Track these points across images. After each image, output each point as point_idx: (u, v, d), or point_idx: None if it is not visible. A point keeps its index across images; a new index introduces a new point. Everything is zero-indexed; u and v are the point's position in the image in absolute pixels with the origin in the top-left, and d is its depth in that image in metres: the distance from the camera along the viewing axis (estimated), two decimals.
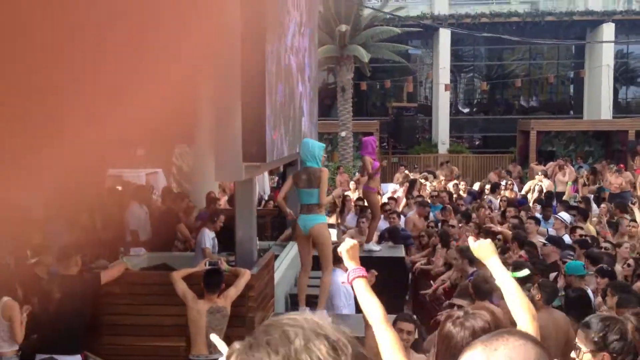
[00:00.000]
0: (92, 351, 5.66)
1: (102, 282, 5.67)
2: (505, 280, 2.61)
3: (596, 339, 2.64)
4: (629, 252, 7.89)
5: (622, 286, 5.62)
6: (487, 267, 2.73)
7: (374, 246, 9.07)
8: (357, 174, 15.43)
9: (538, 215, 10.82)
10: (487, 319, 2.33)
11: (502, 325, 2.31)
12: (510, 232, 8.78)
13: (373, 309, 2.48)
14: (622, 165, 17.84)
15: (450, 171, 19.07)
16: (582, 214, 10.35)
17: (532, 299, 5.83)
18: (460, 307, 5.20)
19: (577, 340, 2.69)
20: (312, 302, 6.87)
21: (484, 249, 2.67)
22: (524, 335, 1.59)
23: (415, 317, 5.11)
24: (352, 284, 2.57)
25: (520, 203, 12.21)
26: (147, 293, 5.91)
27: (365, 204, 9.94)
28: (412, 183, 13.81)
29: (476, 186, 16.27)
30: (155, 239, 8.13)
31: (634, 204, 9.73)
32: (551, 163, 18.06)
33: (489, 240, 2.74)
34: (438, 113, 25.68)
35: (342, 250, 2.63)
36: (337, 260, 6.90)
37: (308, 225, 6.55)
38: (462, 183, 15.45)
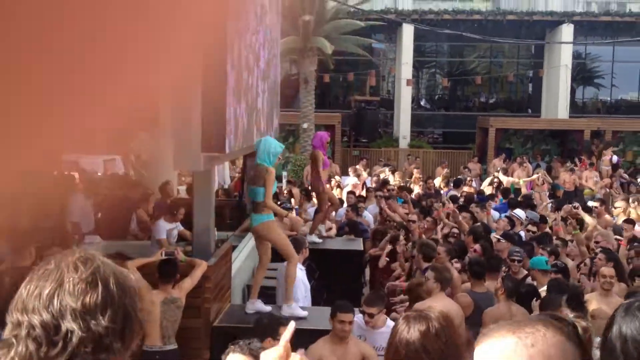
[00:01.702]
0: None
1: None
2: None
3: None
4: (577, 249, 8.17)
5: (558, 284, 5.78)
6: None
7: (315, 238, 9.07)
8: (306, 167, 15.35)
9: (494, 211, 11.02)
10: (433, 324, 2.34)
11: (450, 326, 2.31)
12: (467, 225, 8.94)
13: None
14: (584, 164, 18.23)
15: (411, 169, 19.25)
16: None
17: (495, 292, 6.00)
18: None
19: None
20: (265, 294, 6.84)
21: None
22: (560, 329, 1.41)
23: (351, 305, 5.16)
24: None
25: (480, 200, 12.39)
26: None
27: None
28: (385, 182, 13.97)
29: (437, 181, 16.45)
30: (110, 226, 7.99)
31: (576, 207, 9.95)
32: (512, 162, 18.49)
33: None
34: (400, 107, 25.85)
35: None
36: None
37: (252, 224, 6.50)
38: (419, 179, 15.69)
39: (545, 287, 6.12)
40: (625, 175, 17.68)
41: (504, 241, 8.09)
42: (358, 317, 5.34)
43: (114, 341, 1.29)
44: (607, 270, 6.30)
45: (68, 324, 1.25)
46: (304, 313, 6.32)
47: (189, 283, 5.66)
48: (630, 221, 9.48)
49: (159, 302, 5.47)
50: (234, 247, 7.61)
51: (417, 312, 2.59)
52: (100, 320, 1.27)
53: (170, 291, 5.55)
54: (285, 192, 13.12)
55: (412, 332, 2.46)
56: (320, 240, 9.12)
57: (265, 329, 4.53)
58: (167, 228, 7.34)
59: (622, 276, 6.68)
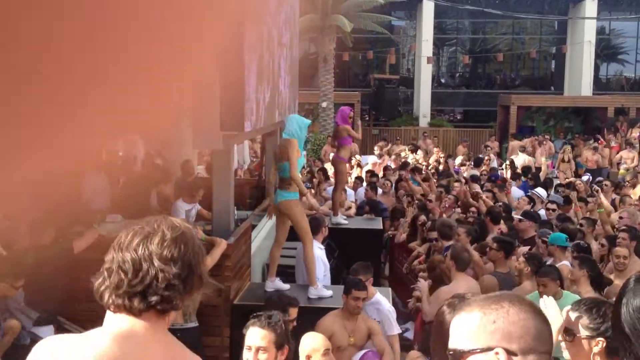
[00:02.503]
0: (69, 318, 5.63)
1: (76, 251, 5.61)
2: None
3: (592, 325, 2.62)
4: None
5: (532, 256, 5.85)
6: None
7: (341, 219, 9.03)
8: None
9: (515, 190, 10.92)
10: None
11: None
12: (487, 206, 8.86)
13: None
14: (602, 142, 18.00)
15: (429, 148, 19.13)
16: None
17: (520, 271, 5.89)
18: None
19: (567, 325, 2.65)
20: (285, 273, 6.87)
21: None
22: (524, 305, 1.49)
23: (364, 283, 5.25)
24: None
25: (494, 177, 12.27)
26: None
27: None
28: (405, 165, 13.83)
29: (458, 160, 16.34)
30: (130, 205, 8.04)
31: (596, 190, 9.75)
32: (528, 139, 18.22)
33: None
34: (420, 86, 25.63)
35: None
36: (312, 232, 6.91)
37: (276, 200, 6.56)
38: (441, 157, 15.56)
39: (562, 263, 6.09)
40: None
41: (525, 220, 8.02)
42: None
43: (179, 284, 1.74)
44: (621, 250, 6.27)
45: (149, 264, 1.73)
46: (330, 293, 6.36)
47: (209, 261, 5.68)
48: None
49: None
50: (253, 226, 7.63)
51: (459, 297, 2.57)
52: (172, 268, 1.73)
53: None
54: (305, 171, 13.11)
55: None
56: (347, 222, 9.07)
57: (275, 306, 4.62)
58: (185, 209, 7.38)
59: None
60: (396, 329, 5.59)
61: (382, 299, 5.68)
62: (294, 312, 4.72)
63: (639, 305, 2.02)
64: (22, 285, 5.24)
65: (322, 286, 6.46)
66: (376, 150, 16.22)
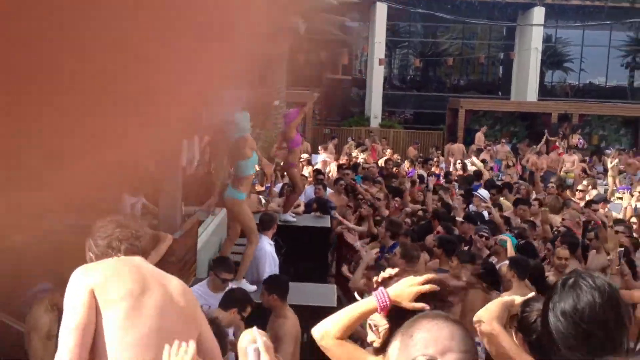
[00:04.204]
0: (11, 314, 5.49)
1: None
2: None
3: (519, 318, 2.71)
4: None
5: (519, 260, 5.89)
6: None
7: (289, 216, 9.09)
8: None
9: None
10: None
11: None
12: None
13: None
14: (555, 147, 18.51)
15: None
16: (500, 191, 10.77)
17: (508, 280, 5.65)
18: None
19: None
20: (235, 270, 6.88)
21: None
22: (436, 315, 1.68)
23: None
24: None
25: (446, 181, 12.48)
26: (61, 254, 5.74)
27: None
28: (356, 166, 13.90)
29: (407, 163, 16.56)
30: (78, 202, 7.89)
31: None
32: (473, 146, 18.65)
33: None
34: (372, 87, 25.86)
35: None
36: (264, 228, 6.95)
37: (225, 195, 6.64)
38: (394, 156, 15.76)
39: (504, 263, 6.26)
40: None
41: (466, 223, 8.21)
42: (201, 285, 5.55)
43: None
44: (562, 251, 6.51)
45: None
46: (254, 288, 6.39)
47: (154, 256, 5.62)
48: (588, 203, 9.74)
49: None
50: (201, 222, 7.59)
51: None
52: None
53: None
54: (258, 168, 13.05)
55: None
56: (294, 219, 9.13)
57: (235, 301, 4.67)
58: (130, 202, 7.29)
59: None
60: None
61: None
62: (249, 311, 4.79)
63: (564, 309, 2.03)
64: None
65: (246, 281, 6.52)
66: (321, 150, 16.30)
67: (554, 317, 2.07)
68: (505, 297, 2.77)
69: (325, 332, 2.27)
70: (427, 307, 2.11)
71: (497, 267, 6.21)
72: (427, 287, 2.20)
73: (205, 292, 5.47)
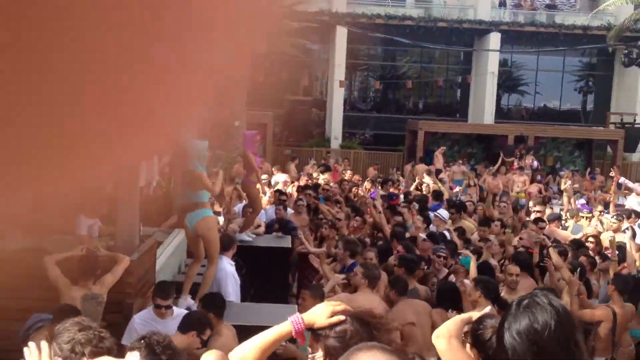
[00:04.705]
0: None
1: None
2: None
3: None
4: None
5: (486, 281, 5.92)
6: None
7: (246, 236, 9.04)
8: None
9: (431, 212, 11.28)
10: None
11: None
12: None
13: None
14: (512, 167, 18.86)
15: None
16: (459, 211, 10.91)
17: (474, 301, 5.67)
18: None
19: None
20: (194, 291, 6.79)
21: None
22: (373, 346, 1.68)
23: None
24: None
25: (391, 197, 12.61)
26: (20, 276, 5.58)
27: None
28: (316, 186, 13.89)
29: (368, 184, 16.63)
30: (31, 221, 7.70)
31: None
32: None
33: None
34: (332, 108, 26.04)
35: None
36: (224, 248, 6.88)
37: (193, 220, 6.45)
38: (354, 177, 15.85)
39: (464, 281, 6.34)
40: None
41: (428, 241, 8.29)
42: (147, 312, 5.39)
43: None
44: (513, 268, 6.64)
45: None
46: (191, 302, 6.35)
47: (110, 279, 5.53)
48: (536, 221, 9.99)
49: (79, 298, 5.31)
50: (159, 243, 7.48)
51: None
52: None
53: (91, 287, 5.41)
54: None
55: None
56: (251, 239, 9.08)
57: (194, 323, 4.58)
58: (87, 224, 7.15)
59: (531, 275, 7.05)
60: None
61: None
62: (208, 334, 4.69)
63: (519, 329, 2.05)
64: None
65: (190, 298, 6.45)
66: (275, 170, 16.36)
67: (509, 337, 2.09)
68: (463, 315, 2.82)
69: (242, 355, 2.25)
70: (342, 318, 2.14)
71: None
72: (341, 307, 2.22)
73: (151, 317, 5.32)
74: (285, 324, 2.24)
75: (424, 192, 14.28)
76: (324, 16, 24.72)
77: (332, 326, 2.14)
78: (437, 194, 13.51)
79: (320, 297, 5.40)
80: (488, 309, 2.97)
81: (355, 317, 2.20)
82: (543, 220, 10.12)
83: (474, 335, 2.75)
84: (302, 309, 5.45)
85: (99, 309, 5.41)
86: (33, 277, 5.55)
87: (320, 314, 2.20)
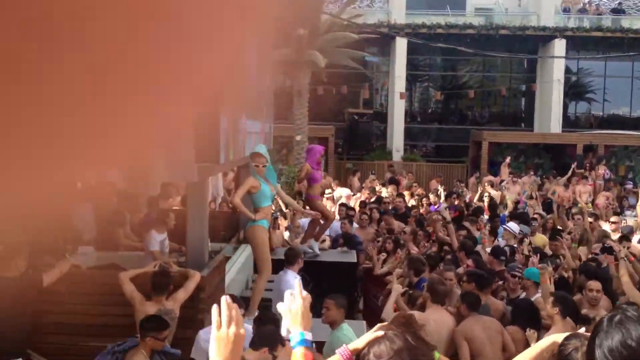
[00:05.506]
0: (37, 351, 5.48)
1: (46, 283, 5.49)
2: None
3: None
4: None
5: (563, 297, 5.65)
6: None
7: (306, 248, 9.01)
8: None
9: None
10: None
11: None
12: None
13: None
14: (579, 179, 18.24)
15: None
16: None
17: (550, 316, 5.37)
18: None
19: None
20: (263, 306, 6.81)
21: None
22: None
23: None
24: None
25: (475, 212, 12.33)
26: (95, 293, 5.74)
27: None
28: (379, 199, 13.82)
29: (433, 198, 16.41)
30: (102, 237, 7.91)
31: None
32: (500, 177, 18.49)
33: None
34: (393, 121, 25.91)
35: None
36: (289, 262, 6.89)
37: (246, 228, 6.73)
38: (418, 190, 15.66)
39: (536, 297, 6.14)
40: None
41: (490, 255, 8.08)
42: (207, 330, 5.31)
43: None
44: (594, 284, 6.35)
45: None
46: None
47: (183, 294, 5.62)
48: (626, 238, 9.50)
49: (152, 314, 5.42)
50: (227, 258, 7.56)
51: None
52: None
53: (164, 302, 5.50)
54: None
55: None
56: (311, 251, 9.06)
57: (267, 339, 4.56)
58: (159, 239, 7.28)
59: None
60: None
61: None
62: (280, 351, 4.64)
63: (611, 347, 1.98)
64: None
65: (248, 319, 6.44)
66: (334, 186, 16.35)
67: (601, 355, 2.01)
68: (543, 342, 2.76)
69: None
70: (380, 334, 2.18)
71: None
72: (381, 333, 2.26)
73: None
74: (334, 357, 2.38)
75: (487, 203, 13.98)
76: (383, 28, 24.67)
77: (370, 346, 2.19)
78: (493, 206, 13.15)
79: (344, 307, 5.43)
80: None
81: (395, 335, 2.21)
82: (629, 239, 9.65)
83: (557, 357, 2.67)
84: (326, 318, 5.46)
85: (172, 324, 5.49)
86: (109, 294, 5.70)
87: (362, 339, 2.30)
